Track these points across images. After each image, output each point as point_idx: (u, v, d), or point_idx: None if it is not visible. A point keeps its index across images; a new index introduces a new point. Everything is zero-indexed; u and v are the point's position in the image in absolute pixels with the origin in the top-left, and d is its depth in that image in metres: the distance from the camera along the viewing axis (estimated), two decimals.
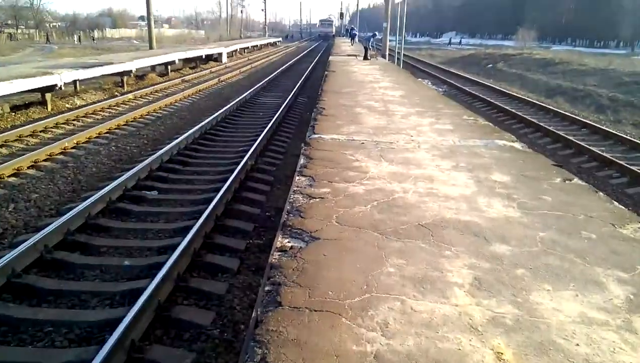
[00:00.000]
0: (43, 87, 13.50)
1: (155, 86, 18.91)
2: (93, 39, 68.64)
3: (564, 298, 2.91)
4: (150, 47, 30.98)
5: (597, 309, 2.79)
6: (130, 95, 16.29)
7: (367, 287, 2.98)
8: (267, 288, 3.00)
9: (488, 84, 24.45)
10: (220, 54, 31.41)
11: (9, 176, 7.88)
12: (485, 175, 5.46)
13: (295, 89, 18.79)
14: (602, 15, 64.70)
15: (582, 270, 3.27)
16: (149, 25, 32.54)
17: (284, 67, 29.07)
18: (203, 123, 11.56)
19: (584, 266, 3.33)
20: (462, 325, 2.61)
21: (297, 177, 5.30)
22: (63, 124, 11.93)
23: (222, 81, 21.93)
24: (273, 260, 3.38)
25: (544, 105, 17.43)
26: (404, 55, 27.84)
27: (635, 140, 11.89)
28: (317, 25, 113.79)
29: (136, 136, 11.26)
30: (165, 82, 20.61)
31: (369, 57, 25.11)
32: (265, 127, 11.45)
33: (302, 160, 5.97)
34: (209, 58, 30.11)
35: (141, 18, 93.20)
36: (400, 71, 21.05)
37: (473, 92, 20.74)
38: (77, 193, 7.52)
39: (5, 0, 70.01)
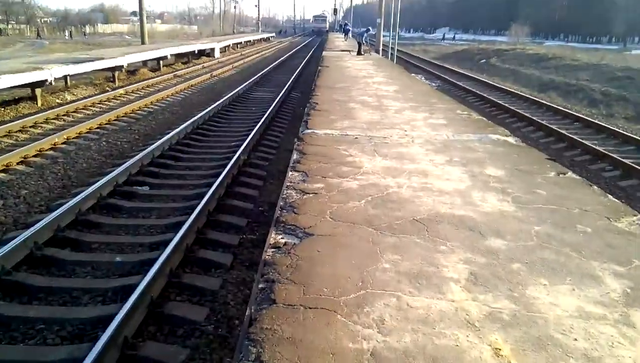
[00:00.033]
0: (33, 82, 13.35)
1: (147, 81, 18.77)
2: (84, 34, 68.04)
3: (560, 292, 2.88)
4: (143, 42, 30.78)
5: (594, 303, 2.77)
6: (121, 90, 16.15)
7: (362, 284, 2.94)
8: (261, 285, 2.95)
9: (481, 78, 24.47)
10: (212, 49, 31.23)
11: None
12: (480, 170, 5.43)
13: (288, 84, 18.71)
14: (595, 12, 65.10)
15: (578, 264, 3.25)
16: (141, 20, 32.35)
17: (277, 62, 28.94)
18: (195, 118, 11.47)
19: (579, 260, 3.31)
20: (459, 320, 2.57)
21: (291, 173, 5.24)
22: (53, 119, 11.80)
23: (214, 76, 21.79)
24: (267, 256, 3.33)
25: (537, 99, 17.46)
26: (397, 50, 27.78)
27: (627, 133, 11.93)
28: (311, 21, 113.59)
29: (127, 131, 11.16)
30: (157, 77, 20.44)
31: (362, 53, 25.03)
32: (257, 122, 11.38)
33: (295, 156, 5.92)
34: (202, 53, 29.91)
35: (133, 13, 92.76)
36: (393, 66, 21.00)
37: (466, 86, 20.74)
38: (67, 189, 7.44)
39: None
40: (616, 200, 4.76)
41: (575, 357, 2.29)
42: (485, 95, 18.32)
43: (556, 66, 27.95)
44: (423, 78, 23.20)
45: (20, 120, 11.02)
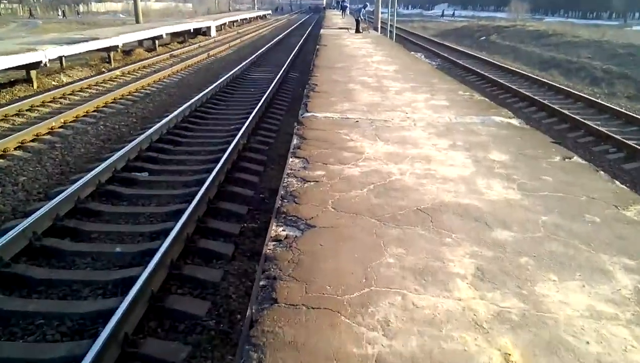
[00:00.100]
0: (27, 64, 13.16)
1: (143, 62, 18.50)
2: (78, 13, 66.93)
3: (570, 289, 2.80)
4: (137, 21, 30.31)
5: (605, 301, 2.69)
6: (117, 72, 15.93)
7: (366, 281, 2.86)
8: (261, 283, 2.87)
9: (481, 56, 24.18)
10: (209, 28, 30.80)
11: None
12: (484, 154, 5.32)
13: (286, 64, 18.46)
14: None
15: (588, 257, 3.17)
16: None
17: (274, 40, 28.59)
18: (193, 100, 11.32)
19: (589, 253, 3.22)
20: (466, 322, 2.49)
21: (291, 159, 5.13)
22: (50, 102, 11.64)
23: (211, 56, 21.52)
24: (267, 251, 3.24)
25: (538, 78, 17.25)
26: (396, 27, 27.37)
27: (630, 113, 11.79)
28: None
29: (125, 114, 11.02)
30: (153, 57, 20.16)
31: (360, 30, 24.62)
32: (256, 104, 11.23)
33: (295, 141, 5.80)
34: (198, 32, 29.51)
35: None
36: (393, 44, 20.69)
37: (467, 65, 20.49)
38: (66, 175, 7.35)
39: None
40: (624, 186, 4.66)
41: (587, 362, 2.22)
42: (485, 73, 18.11)
43: (557, 43, 27.61)
44: (423, 56, 22.90)
45: (16, 104, 10.89)
